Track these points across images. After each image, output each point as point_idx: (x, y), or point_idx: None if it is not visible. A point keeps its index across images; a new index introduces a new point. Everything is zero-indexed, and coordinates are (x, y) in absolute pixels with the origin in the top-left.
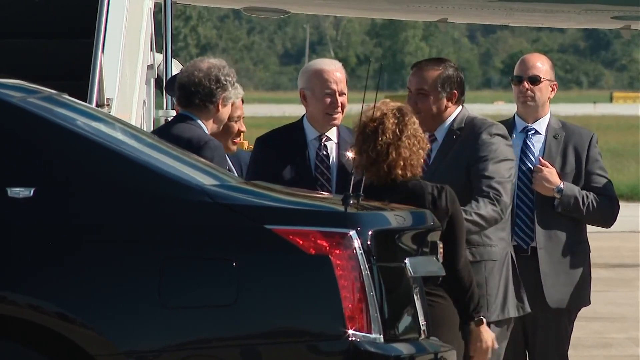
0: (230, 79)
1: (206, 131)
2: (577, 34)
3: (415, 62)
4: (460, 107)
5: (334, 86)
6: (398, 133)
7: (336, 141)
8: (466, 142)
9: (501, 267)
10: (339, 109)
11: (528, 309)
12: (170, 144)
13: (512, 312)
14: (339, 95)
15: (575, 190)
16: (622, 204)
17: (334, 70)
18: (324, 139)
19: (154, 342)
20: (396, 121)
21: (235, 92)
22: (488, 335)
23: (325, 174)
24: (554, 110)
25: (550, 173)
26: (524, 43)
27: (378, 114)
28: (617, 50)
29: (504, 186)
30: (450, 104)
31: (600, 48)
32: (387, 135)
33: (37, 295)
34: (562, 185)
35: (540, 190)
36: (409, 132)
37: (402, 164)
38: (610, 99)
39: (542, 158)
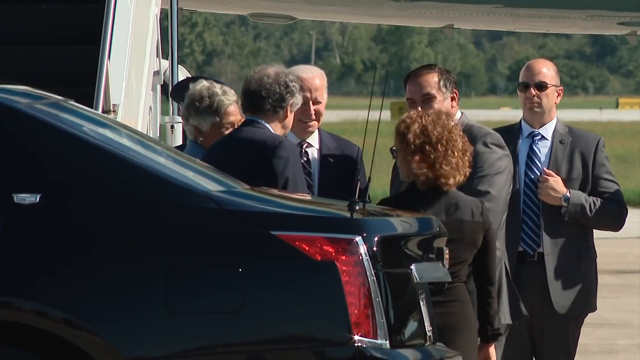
0: (295, 85)
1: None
2: (583, 40)
3: (407, 73)
4: (460, 114)
5: (307, 94)
6: (459, 143)
7: (317, 147)
8: None
9: None
10: (313, 117)
11: (524, 313)
12: (245, 147)
13: (505, 319)
14: (314, 103)
15: (582, 198)
16: (628, 209)
17: (312, 78)
18: (304, 145)
19: (159, 348)
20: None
21: (299, 99)
22: (494, 353)
23: (306, 180)
24: (559, 116)
25: (556, 182)
26: (530, 49)
27: (448, 124)
28: (623, 56)
29: (495, 203)
30: (454, 103)
31: (606, 54)
32: (457, 146)
33: (43, 302)
34: (568, 194)
35: (547, 199)
36: (463, 144)
37: (454, 173)
38: (616, 105)
39: (549, 163)
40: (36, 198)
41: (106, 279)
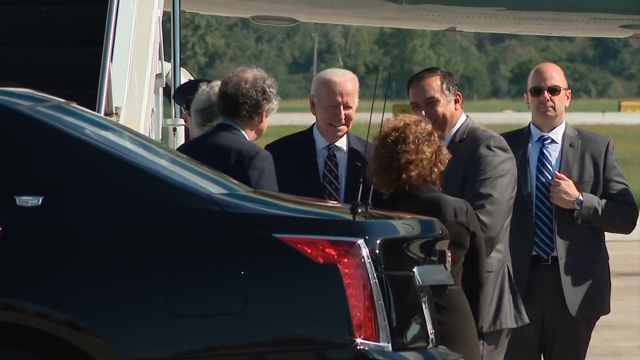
0: (273, 90)
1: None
2: (586, 43)
3: (410, 77)
4: (464, 117)
5: (339, 98)
6: (418, 142)
7: (346, 151)
8: (464, 154)
9: (495, 279)
10: (343, 121)
11: (526, 320)
12: (219, 154)
13: (507, 323)
14: (344, 108)
15: (595, 201)
16: None
17: (344, 82)
18: (333, 149)
19: (162, 350)
20: (419, 130)
21: (275, 104)
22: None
23: (333, 183)
24: None
25: (568, 185)
26: (533, 52)
27: (401, 124)
28: (625, 59)
29: (497, 206)
30: (457, 106)
31: (608, 57)
32: (409, 145)
33: (46, 303)
34: (581, 197)
35: (560, 203)
36: (431, 143)
37: (417, 172)
38: (619, 108)
39: (560, 167)
40: (38, 200)
41: (108, 280)
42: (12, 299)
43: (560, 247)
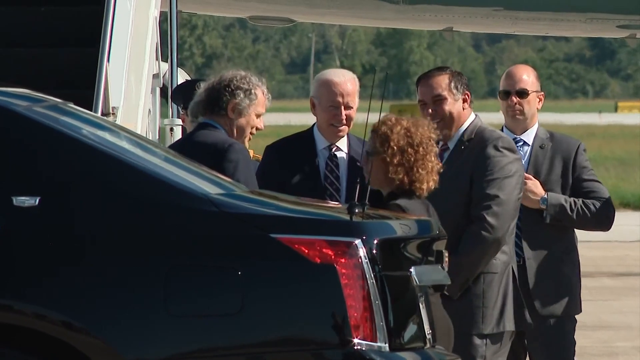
0: (244, 86)
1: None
2: (583, 43)
3: (419, 75)
4: (473, 116)
5: (339, 99)
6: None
7: (346, 151)
8: (471, 154)
9: (500, 280)
10: (343, 122)
11: (529, 320)
12: (196, 150)
13: (509, 325)
14: (345, 108)
15: (561, 198)
16: (627, 212)
17: (344, 82)
18: (333, 149)
19: (159, 351)
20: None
21: (251, 103)
22: None
23: (334, 184)
24: (560, 119)
25: (535, 185)
26: (530, 52)
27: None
28: (622, 59)
29: (504, 207)
30: (466, 105)
31: (605, 57)
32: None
33: (43, 304)
34: (546, 196)
35: (526, 203)
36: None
37: (428, 178)
38: (615, 109)
39: (528, 167)
40: (35, 201)
41: (106, 281)
42: (9, 299)
43: (527, 248)
